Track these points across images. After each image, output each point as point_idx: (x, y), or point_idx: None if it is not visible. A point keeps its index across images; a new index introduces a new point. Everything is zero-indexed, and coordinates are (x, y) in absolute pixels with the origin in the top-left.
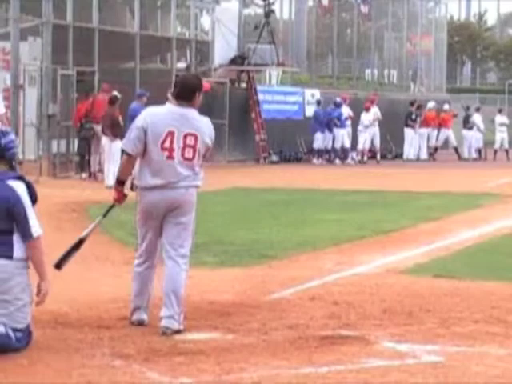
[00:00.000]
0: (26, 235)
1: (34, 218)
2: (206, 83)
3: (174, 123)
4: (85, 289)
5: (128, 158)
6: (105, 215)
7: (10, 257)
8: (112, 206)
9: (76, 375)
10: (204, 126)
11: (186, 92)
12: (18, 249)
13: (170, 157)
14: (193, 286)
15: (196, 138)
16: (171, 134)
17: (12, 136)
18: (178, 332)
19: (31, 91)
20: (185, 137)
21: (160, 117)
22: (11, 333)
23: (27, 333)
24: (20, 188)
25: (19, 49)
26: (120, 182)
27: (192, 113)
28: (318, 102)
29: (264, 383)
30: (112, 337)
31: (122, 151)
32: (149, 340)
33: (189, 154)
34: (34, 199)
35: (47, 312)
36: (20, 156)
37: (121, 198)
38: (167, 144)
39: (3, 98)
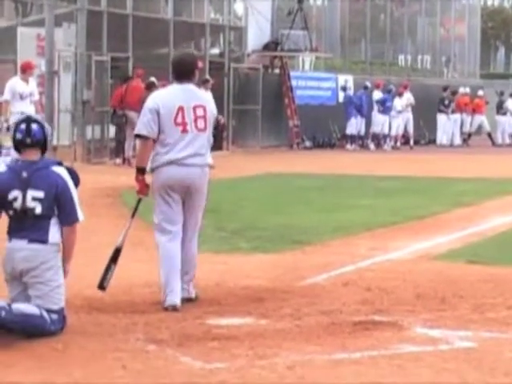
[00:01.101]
0: (72, 218)
1: (78, 202)
2: (200, 61)
3: (182, 99)
4: (119, 274)
5: (144, 143)
6: (133, 215)
7: (44, 241)
8: (138, 202)
9: (110, 359)
10: (207, 97)
11: (185, 70)
12: (53, 233)
13: (184, 130)
14: (226, 271)
15: (204, 108)
16: (181, 109)
17: (44, 124)
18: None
19: (66, 77)
20: (194, 109)
21: (168, 96)
22: (46, 314)
23: (62, 316)
24: (64, 173)
25: (54, 35)
26: (140, 171)
27: (194, 87)
28: (344, 89)
29: (297, 368)
30: (146, 322)
31: (137, 136)
32: (182, 325)
33: (201, 124)
34: (76, 183)
35: (82, 297)
36: (54, 142)
37: (144, 188)
38: (180, 119)
39: (37, 84)
